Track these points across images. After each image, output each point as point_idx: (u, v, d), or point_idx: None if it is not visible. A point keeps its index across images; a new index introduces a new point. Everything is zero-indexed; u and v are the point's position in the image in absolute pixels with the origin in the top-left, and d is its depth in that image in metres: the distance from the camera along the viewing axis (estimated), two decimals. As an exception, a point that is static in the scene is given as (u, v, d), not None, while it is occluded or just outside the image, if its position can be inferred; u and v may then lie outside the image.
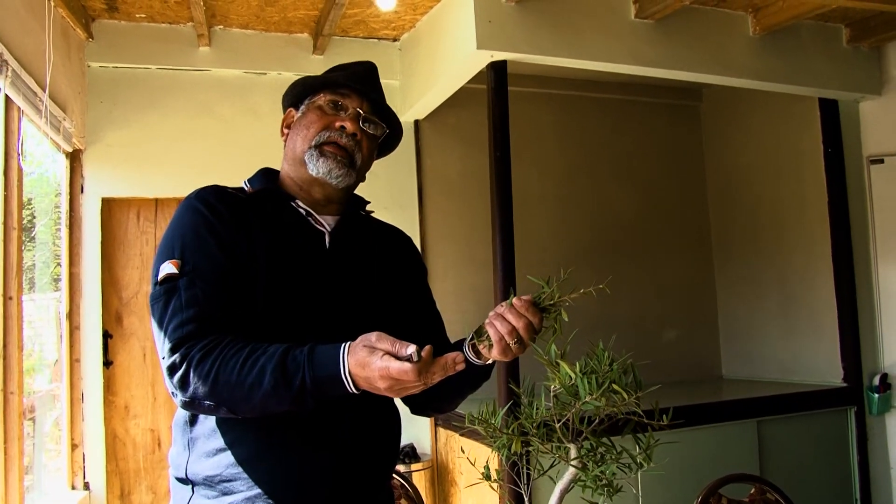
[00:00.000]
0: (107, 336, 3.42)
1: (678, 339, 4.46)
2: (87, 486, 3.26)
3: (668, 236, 4.56)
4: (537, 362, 1.07)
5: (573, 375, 1.01)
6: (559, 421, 1.04)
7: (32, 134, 2.84)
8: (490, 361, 1.14)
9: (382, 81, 1.33)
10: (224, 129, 3.64)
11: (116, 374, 3.45)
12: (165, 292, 1.07)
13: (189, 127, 3.59)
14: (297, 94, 1.29)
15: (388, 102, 1.31)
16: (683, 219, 4.64)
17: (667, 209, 4.58)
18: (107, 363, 3.41)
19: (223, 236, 1.12)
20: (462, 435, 3.33)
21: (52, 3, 2.79)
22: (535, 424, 1.06)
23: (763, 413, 3.42)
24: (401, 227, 1.42)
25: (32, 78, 2.58)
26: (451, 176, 4.06)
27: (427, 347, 0.94)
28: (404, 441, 3.65)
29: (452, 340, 1.25)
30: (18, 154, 2.54)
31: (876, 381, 3.71)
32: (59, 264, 3.34)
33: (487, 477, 1.12)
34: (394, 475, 1.82)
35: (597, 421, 1.05)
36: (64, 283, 3.31)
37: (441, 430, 3.73)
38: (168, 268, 1.08)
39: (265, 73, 3.72)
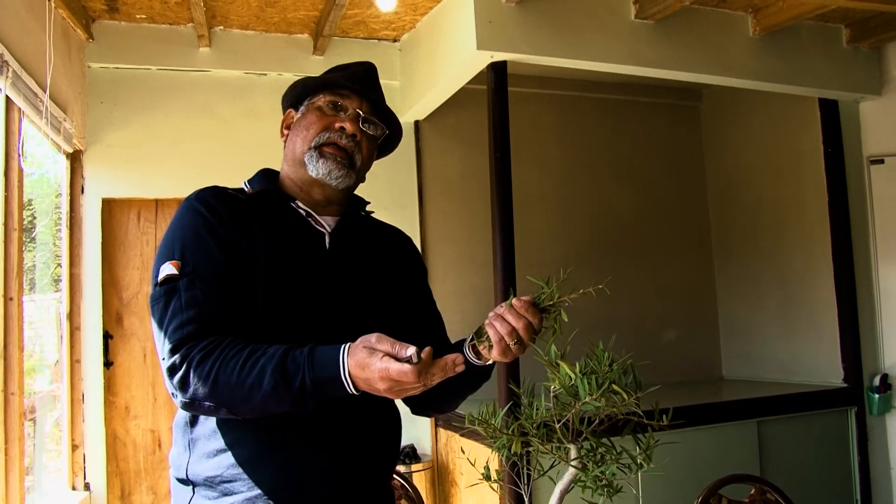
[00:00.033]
0: (107, 337, 3.42)
1: (678, 339, 4.46)
2: (87, 487, 3.26)
3: (668, 237, 4.56)
4: (537, 363, 1.07)
5: (573, 376, 1.01)
6: (559, 421, 1.04)
7: (33, 135, 2.85)
8: (490, 362, 1.14)
9: (382, 82, 1.33)
10: (224, 129, 3.64)
11: (117, 374, 3.45)
12: (165, 293, 1.07)
13: (189, 128, 3.60)
14: (297, 95, 1.29)
15: (388, 103, 1.31)
16: (683, 219, 4.64)
17: (667, 209, 4.58)
18: (107, 364, 3.42)
19: (223, 237, 1.12)
20: (462, 435, 3.33)
21: (53, 4, 2.80)
22: (535, 425, 1.06)
23: (763, 413, 3.42)
24: (401, 228, 1.42)
25: (33, 79, 2.58)
26: (451, 176, 4.06)
27: (427, 349, 0.94)
28: (404, 442, 3.65)
29: (453, 341, 1.25)
30: (19, 155, 2.54)
31: (876, 381, 3.71)
32: (59, 265, 3.34)
33: (487, 477, 1.12)
34: (394, 476, 1.83)
35: (597, 421, 1.05)
36: (64, 284, 3.31)
37: (441, 431, 3.73)
38: (168, 269, 1.08)
39: (265, 74, 3.72)
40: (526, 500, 1.19)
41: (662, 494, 2.89)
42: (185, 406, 1.06)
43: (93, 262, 3.38)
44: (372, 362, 0.94)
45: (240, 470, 1.09)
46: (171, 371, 1.03)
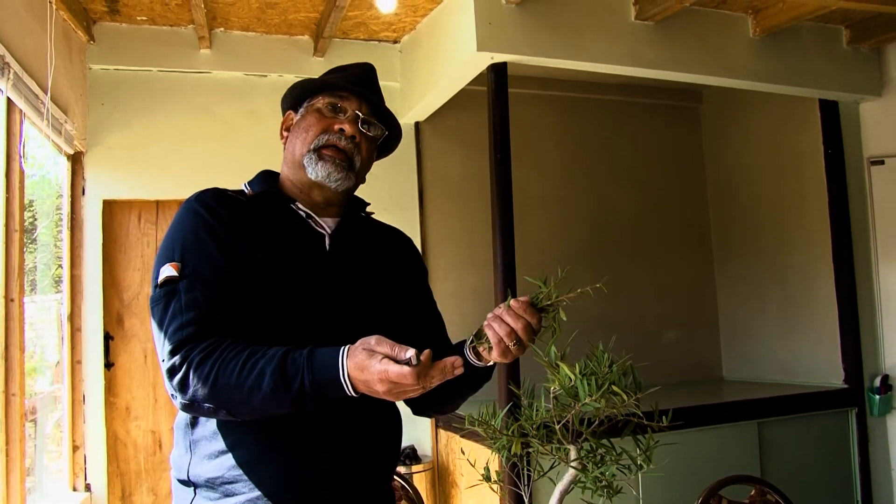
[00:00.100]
0: (108, 338, 3.42)
1: (678, 339, 4.46)
2: (88, 488, 3.26)
3: (668, 237, 4.56)
4: (537, 364, 1.07)
5: (573, 377, 1.01)
6: (559, 422, 1.04)
7: (34, 136, 2.85)
8: (491, 363, 1.14)
9: (383, 83, 1.34)
10: (225, 131, 3.65)
11: (117, 375, 3.45)
12: (165, 295, 1.08)
13: (190, 129, 3.60)
14: (296, 97, 1.29)
15: (388, 104, 1.31)
16: (684, 220, 4.64)
17: (667, 210, 4.58)
18: (108, 365, 3.42)
19: (223, 239, 1.12)
20: (462, 436, 3.33)
21: (54, 6, 2.80)
22: (535, 426, 1.06)
23: (764, 414, 3.42)
24: (401, 229, 1.42)
25: (34, 80, 2.58)
26: (451, 177, 4.06)
27: (426, 352, 0.94)
28: (405, 443, 3.65)
29: (453, 342, 1.25)
30: (20, 156, 2.54)
31: (877, 382, 3.71)
32: (60, 266, 3.34)
33: (488, 478, 1.12)
34: (395, 477, 1.83)
35: (596, 422, 1.05)
36: (65, 285, 3.31)
37: (441, 432, 3.74)
38: (168, 270, 1.09)
39: (266, 76, 3.73)
40: (526, 500, 1.20)
41: (662, 495, 2.89)
42: (185, 408, 1.06)
43: (94, 264, 3.39)
44: (371, 364, 0.94)
45: (241, 471, 1.09)
46: (171, 372, 1.03)
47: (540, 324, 1.06)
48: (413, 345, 0.95)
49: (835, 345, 3.80)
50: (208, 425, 1.12)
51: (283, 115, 1.33)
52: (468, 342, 1.14)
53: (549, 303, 1.06)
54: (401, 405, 1.22)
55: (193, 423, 1.14)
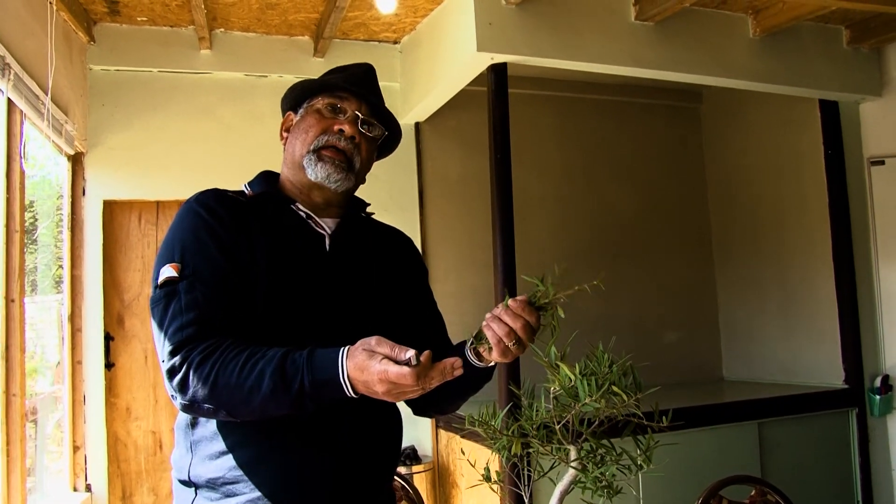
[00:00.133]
0: (108, 338, 3.43)
1: (679, 340, 4.46)
2: (88, 488, 3.26)
3: (668, 238, 4.56)
4: (537, 364, 1.07)
5: (573, 377, 1.01)
6: (559, 423, 1.04)
7: (34, 137, 2.85)
8: (492, 364, 1.14)
9: (383, 84, 1.34)
10: (225, 131, 3.65)
11: (118, 376, 3.45)
12: (165, 296, 1.08)
13: (190, 130, 3.60)
14: (296, 98, 1.29)
15: (388, 105, 1.31)
16: (684, 220, 4.64)
17: (667, 211, 4.58)
18: (108, 365, 3.42)
19: (223, 240, 1.12)
20: (463, 437, 3.33)
21: (54, 7, 2.81)
22: (535, 426, 1.06)
23: (764, 414, 3.42)
24: (401, 230, 1.42)
25: (34, 81, 2.58)
26: (451, 178, 4.06)
27: (426, 353, 0.94)
28: (405, 443, 3.65)
29: (454, 342, 1.25)
30: (21, 157, 2.54)
31: (877, 382, 3.71)
32: (60, 266, 3.35)
33: (488, 479, 1.12)
34: (395, 477, 1.83)
35: (597, 422, 1.05)
36: (66, 286, 3.31)
37: (442, 432, 3.74)
38: (168, 271, 1.09)
39: (266, 76, 3.73)
40: (526, 501, 1.20)
41: (663, 496, 2.89)
42: (185, 408, 1.06)
43: (94, 264, 3.39)
44: (371, 364, 0.94)
45: (241, 472, 1.09)
46: (171, 373, 1.03)
47: (539, 322, 1.06)
48: (413, 345, 0.95)
49: (835, 345, 3.80)
50: (209, 426, 1.12)
51: (283, 115, 1.33)
52: (469, 344, 1.14)
53: (546, 301, 1.06)
54: (401, 405, 1.22)
55: (194, 424, 1.14)
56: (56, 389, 3.26)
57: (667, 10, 3.14)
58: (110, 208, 3.49)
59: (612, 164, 4.48)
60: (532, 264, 3.40)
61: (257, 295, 1.11)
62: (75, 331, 3.33)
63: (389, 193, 3.79)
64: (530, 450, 1.09)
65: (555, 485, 1.07)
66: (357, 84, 1.26)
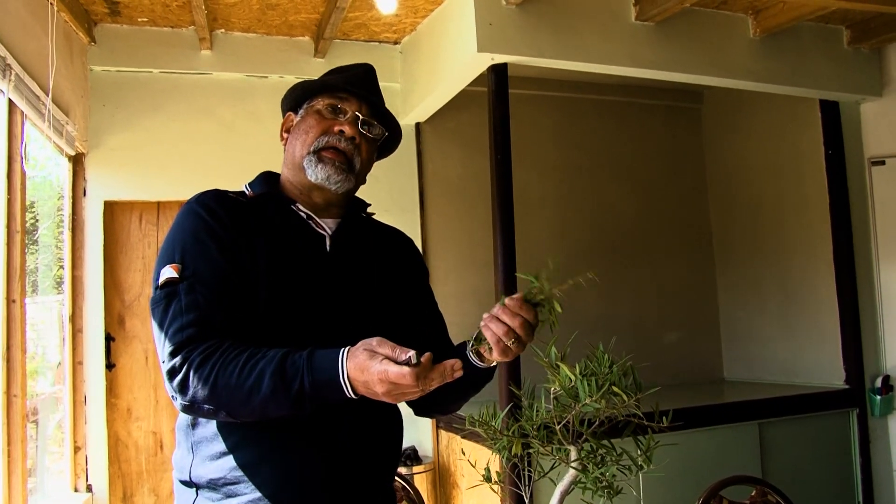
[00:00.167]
0: (109, 339, 3.43)
1: (679, 340, 4.45)
2: (89, 489, 3.26)
3: (668, 238, 4.56)
4: (537, 365, 1.07)
5: (573, 378, 1.02)
6: (559, 423, 1.04)
7: (35, 137, 2.85)
8: (493, 364, 1.15)
9: (383, 84, 1.33)
10: (225, 132, 3.65)
11: (119, 376, 3.45)
12: (166, 296, 1.08)
13: (191, 130, 3.61)
14: (296, 98, 1.29)
15: (388, 105, 1.31)
16: (684, 221, 4.64)
17: (667, 211, 4.58)
18: (109, 366, 3.42)
19: (224, 240, 1.12)
20: (463, 437, 3.33)
21: (55, 8, 2.81)
22: (535, 426, 1.06)
23: (765, 415, 3.42)
24: (402, 230, 1.42)
25: (35, 82, 2.59)
26: (452, 178, 4.06)
27: (426, 354, 0.94)
28: (406, 443, 3.65)
29: (455, 343, 1.25)
30: (21, 157, 2.55)
31: (878, 382, 3.71)
32: (61, 267, 3.35)
33: (488, 479, 1.12)
34: (395, 477, 1.83)
35: (597, 423, 1.05)
36: (66, 286, 3.32)
37: (442, 433, 3.74)
38: (168, 272, 1.09)
39: (266, 77, 3.73)
40: (526, 501, 1.20)
41: (663, 496, 2.89)
42: (185, 409, 1.06)
43: (95, 265, 3.39)
44: (371, 365, 0.95)
45: (242, 472, 1.09)
46: (171, 374, 1.03)
47: (536, 319, 1.06)
48: (414, 346, 0.96)
49: (836, 345, 3.80)
50: (209, 427, 1.12)
51: (283, 116, 1.33)
52: (469, 345, 1.14)
53: (542, 297, 1.06)
54: (402, 406, 1.22)
55: (195, 425, 1.14)
56: (57, 390, 3.26)
57: (667, 10, 3.15)
58: (111, 209, 3.49)
59: (612, 165, 4.48)
60: (532, 264, 3.38)
61: (258, 296, 1.11)
62: (76, 331, 3.33)
63: (390, 194, 3.79)
64: (530, 450, 1.09)
65: (555, 485, 1.07)
66: (357, 85, 1.26)
